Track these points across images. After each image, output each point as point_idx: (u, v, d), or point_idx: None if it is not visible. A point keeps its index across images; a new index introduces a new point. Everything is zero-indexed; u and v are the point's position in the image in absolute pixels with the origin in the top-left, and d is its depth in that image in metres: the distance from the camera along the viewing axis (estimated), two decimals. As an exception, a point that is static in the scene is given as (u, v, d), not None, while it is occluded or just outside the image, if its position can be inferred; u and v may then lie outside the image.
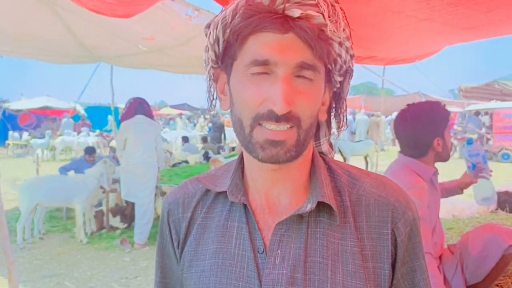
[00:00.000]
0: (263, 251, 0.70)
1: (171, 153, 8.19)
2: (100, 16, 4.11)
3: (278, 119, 0.65)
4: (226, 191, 0.75)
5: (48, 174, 6.62)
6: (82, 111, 17.67)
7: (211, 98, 0.79)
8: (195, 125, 23.42)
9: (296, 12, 0.64)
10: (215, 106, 0.79)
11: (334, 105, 0.79)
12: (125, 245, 5.16)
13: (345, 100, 0.78)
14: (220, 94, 0.77)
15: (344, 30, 0.70)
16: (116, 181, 5.70)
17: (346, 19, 0.71)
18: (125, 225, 5.84)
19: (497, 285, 2.15)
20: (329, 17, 0.66)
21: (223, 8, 0.71)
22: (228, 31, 0.67)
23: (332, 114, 0.79)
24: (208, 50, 0.73)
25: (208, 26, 0.74)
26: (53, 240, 5.49)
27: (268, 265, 0.69)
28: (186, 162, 7.84)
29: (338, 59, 0.71)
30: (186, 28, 4.42)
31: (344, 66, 0.73)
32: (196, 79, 8.68)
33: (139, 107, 5.25)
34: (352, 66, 0.75)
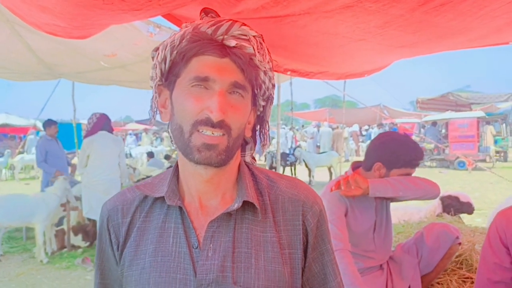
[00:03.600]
0: (197, 247, 0.82)
1: (134, 169, 8.11)
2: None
3: (213, 125, 0.77)
4: (163, 197, 0.85)
5: (7, 193, 6.41)
6: (41, 128, 17.18)
7: (154, 111, 0.89)
8: (161, 140, 23.18)
9: (232, 42, 0.79)
10: (155, 119, 0.90)
11: (258, 126, 0.94)
12: (87, 264, 5.07)
13: (268, 122, 0.94)
14: (161, 108, 0.88)
15: (268, 62, 0.86)
16: (77, 198, 5.60)
17: (269, 55, 0.87)
18: (87, 244, 5.73)
19: (438, 283, 2.33)
20: (258, 50, 0.82)
21: (172, 33, 0.85)
22: (175, 52, 0.81)
23: (257, 133, 0.94)
24: (156, 67, 0.84)
25: (155, 50, 0.87)
26: (12, 261, 5.31)
27: (202, 258, 0.81)
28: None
29: (263, 85, 0.86)
30: (147, 45, 4.49)
31: (267, 92, 0.88)
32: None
33: (106, 123, 5.23)
34: (273, 94, 0.91)
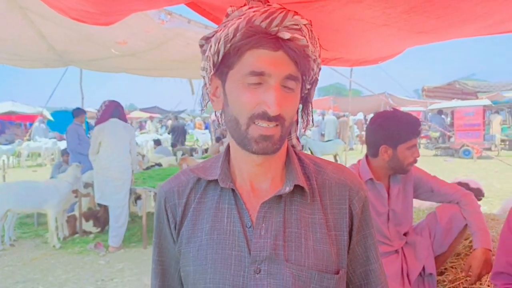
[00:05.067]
0: (251, 226, 0.87)
1: (143, 156, 8.17)
2: (74, 22, 4.16)
3: (270, 119, 0.81)
4: (216, 179, 0.90)
5: (14, 180, 6.50)
6: (49, 116, 17.24)
7: (206, 100, 0.93)
8: (166, 128, 23.26)
9: (286, 35, 0.80)
10: (207, 107, 0.94)
11: (302, 108, 0.96)
12: (99, 249, 5.16)
13: (311, 103, 0.96)
14: (213, 97, 0.91)
15: (317, 48, 0.88)
16: (89, 185, 5.67)
17: (318, 40, 0.89)
18: (99, 229, 5.82)
19: (451, 267, 2.37)
20: (309, 39, 0.84)
21: (219, 26, 0.87)
22: (228, 45, 0.82)
23: (300, 114, 0.97)
24: (209, 59, 0.86)
25: (205, 39, 0.90)
26: (25, 246, 5.41)
27: (255, 236, 0.85)
28: (159, 165, 7.85)
29: (311, 71, 0.89)
30: (159, 32, 4.51)
31: (314, 77, 0.91)
32: (167, 81, 8.72)
33: (115, 110, 5.26)
34: (318, 76, 0.93)
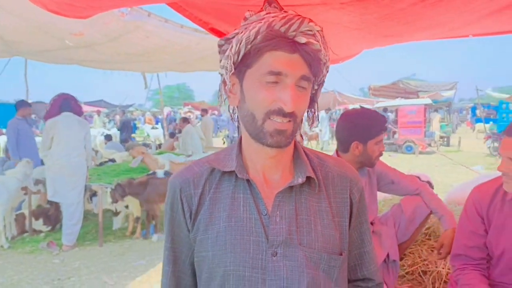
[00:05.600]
0: (266, 213, 0.95)
1: (96, 151, 7.88)
2: (26, 10, 3.94)
3: (285, 115, 0.89)
4: (230, 171, 0.97)
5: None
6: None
7: (223, 96, 1.00)
8: (115, 122, 22.47)
9: (302, 39, 0.88)
10: (224, 103, 1.00)
11: (308, 106, 1.03)
12: (52, 248, 4.96)
13: (317, 103, 1.04)
14: (229, 93, 0.98)
15: (327, 53, 0.97)
16: (39, 181, 5.41)
17: (328, 45, 0.97)
18: (49, 228, 5.58)
19: (410, 253, 2.58)
20: (322, 44, 0.92)
21: (239, 29, 0.93)
22: (249, 46, 0.89)
23: (306, 113, 1.03)
24: (230, 58, 0.92)
25: (225, 39, 0.96)
26: (-32, 248, 5.07)
27: (272, 223, 0.94)
28: (113, 160, 7.61)
29: (321, 74, 0.97)
30: (118, 25, 4.39)
31: (322, 78, 1.00)
32: (117, 75, 8.47)
33: (63, 103, 5.04)
34: (325, 78, 1.02)
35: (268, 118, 0.89)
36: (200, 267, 0.99)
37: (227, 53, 0.94)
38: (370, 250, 1.08)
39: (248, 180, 0.96)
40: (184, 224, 1.01)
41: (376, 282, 1.09)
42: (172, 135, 10.90)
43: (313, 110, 1.02)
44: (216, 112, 26.24)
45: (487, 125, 18.45)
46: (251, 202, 0.95)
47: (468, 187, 4.18)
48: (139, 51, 5.63)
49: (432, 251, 2.52)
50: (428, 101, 16.79)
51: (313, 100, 1.02)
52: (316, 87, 1.00)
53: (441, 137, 17.11)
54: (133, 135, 17.76)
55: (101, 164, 7.08)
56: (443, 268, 2.31)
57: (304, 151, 1.04)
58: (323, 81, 1.01)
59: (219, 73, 0.98)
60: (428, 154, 14.82)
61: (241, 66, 0.92)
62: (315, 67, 0.91)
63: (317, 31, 0.91)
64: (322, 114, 18.02)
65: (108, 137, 11.13)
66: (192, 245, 1.00)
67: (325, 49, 0.94)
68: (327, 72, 1.00)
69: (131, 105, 29.79)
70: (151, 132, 19.62)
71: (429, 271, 2.36)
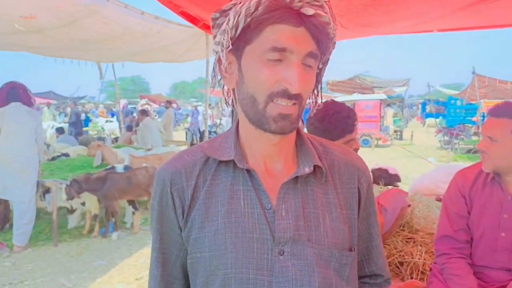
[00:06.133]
0: (270, 207, 0.84)
1: (48, 145, 7.40)
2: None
3: (290, 97, 0.78)
4: (228, 160, 0.86)
5: None
6: None
7: (216, 76, 0.88)
8: (66, 115, 21.35)
9: (310, 11, 0.77)
10: (218, 84, 0.89)
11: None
12: (2, 249, 4.59)
13: (321, 83, 0.94)
14: (225, 73, 0.86)
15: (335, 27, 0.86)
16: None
17: (335, 19, 0.85)
18: (-3, 227, 5.18)
19: (385, 244, 2.58)
20: (330, 17, 0.80)
21: (237, 0, 0.80)
22: (249, 19, 0.77)
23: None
24: (227, 33, 0.80)
25: (220, 11, 0.83)
26: None
27: (277, 217, 0.83)
28: (66, 155, 7.18)
29: (327, 50, 0.86)
30: (73, 8, 4.09)
31: (328, 56, 0.89)
32: (70, 64, 7.99)
33: (11, 92, 4.66)
34: (330, 56, 0.91)
35: (271, 101, 0.80)
36: (195, 270, 0.88)
37: (223, 27, 0.82)
38: (378, 243, 1.00)
39: (248, 170, 0.86)
40: (175, 221, 0.89)
41: (385, 278, 1.01)
42: (129, 128, 10.49)
43: (316, 91, 0.91)
44: (175, 105, 25.66)
45: (437, 120, 19.38)
46: (252, 195, 0.85)
47: (428, 177, 4.34)
48: (94, 38, 5.29)
49: (407, 242, 2.54)
50: (384, 96, 17.33)
51: (317, 80, 0.90)
52: (320, 66, 0.89)
53: (395, 131, 17.80)
54: (86, 128, 17.01)
55: (53, 158, 6.66)
56: (419, 259, 2.32)
57: (308, 138, 0.95)
58: (328, 59, 0.91)
59: (214, 50, 0.86)
60: (383, 147, 15.33)
61: (239, 42, 0.81)
62: (323, 42, 0.81)
63: (325, 1, 0.80)
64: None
65: (60, 130, 10.53)
66: (184, 245, 0.89)
67: (334, 22, 0.82)
68: (334, 49, 0.89)
69: (83, 97, 28.51)
70: (105, 126, 18.87)
71: (406, 261, 2.36)
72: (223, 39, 0.82)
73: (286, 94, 0.78)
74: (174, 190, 0.88)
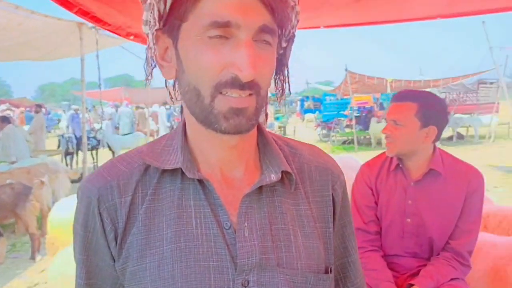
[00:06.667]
0: (230, 227, 0.68)
1: None
2: None
3: (242, 86, 0.62)
4: (174, 169, 0.69)
5: None
6: None
7: (151, 65, 0.72)
8: None
9: None
10: (152, 76, 0.72)
11: (275, 72, 0.76)
12: None
13: (287, 67, 0.76)
14: (161, 61, 0.70)
15: None
16: None
17: None
18: None
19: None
20: None
21: None
22: None
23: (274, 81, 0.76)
24: (153, 8, 0.64)
25: None
26: None
27: (239, 239, 0.68)
28: None
29: (289, 23, 0.70)
30: None
31: (291, 31, 0.72)
32: None
33: None
34: (296, 32, 0.73)
35: (219, 93, 0.63)
36: None
37: (148, 0, 0.64)
38: (356, 259, 0.85)
39: (200, 181, 0.70)
40: (105, 249, 0.70)
41: None
42: (3, 119, 9.00)
43: (282, 77, 0.75)
44: (43, 110, 23.03)
45: (315, 115, 20.87)
46: (207, 212, 0.69)
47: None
48: None
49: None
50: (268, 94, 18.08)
51: (281, 64, 0.75)
52: (284, 45, 0.73)
53: (279, 127, 18.71)
54: None
55: None
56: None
57: (272, 137, 0.79)
58: (293, 35, 0.73)
59: (144, 33, 0.69)
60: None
61: (173, 19, 0.65)
62: (280, 13, 0.64)
63: None
64: (161, 109, 17.61)
65: None
66: (119, 280, 0.72)
67: None
68: (297, 22, 0.71)
69: None
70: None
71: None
72: (150, 16, 0.65)
73: (236, 83, 0.62)
74: (103, 210, 0.69)
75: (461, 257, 1.75)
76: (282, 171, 0.72)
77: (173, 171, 0.70)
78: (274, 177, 0.71)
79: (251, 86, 0.63)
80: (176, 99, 0.74)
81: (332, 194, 0.79)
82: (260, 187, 0.71)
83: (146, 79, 0.73)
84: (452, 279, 1.73)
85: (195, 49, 0.63)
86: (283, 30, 0.70)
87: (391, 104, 1.83)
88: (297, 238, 0.72)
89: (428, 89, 10.57)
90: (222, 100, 0.63)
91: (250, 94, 0.64)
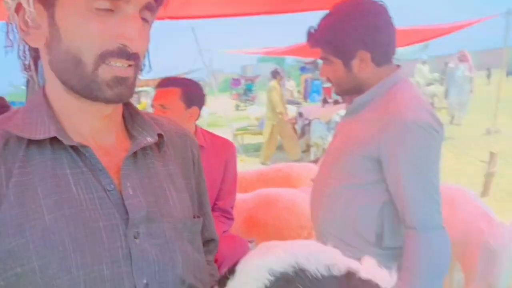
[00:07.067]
0: (113, 188, 0.71)
1: None
2: None
3: (128, 56, 0.66)
4: (41, 141, 0.67)
5: None
6: None
7: (13, 31, 0.69)
8: None
9: None
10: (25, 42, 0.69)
11: None
12: None
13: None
14: (27, 29, 0.67)
15: None
16: None
17: None
18: None
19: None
20: None
21: None
22: None
23: None
24: None
25: None
26: None
27: (126, 197, 0.71)
28: None
29: (162, 4, 0.74)
30: None
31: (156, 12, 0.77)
32: None
33: None
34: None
35: (103, 62, 0.65)
36: None
37: None
38: (209, 210, 0.99)
39: (75, 149, 0.69)
40: None
41: (216, 241, 1.02)
42: None
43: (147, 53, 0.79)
44: None
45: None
46: (88, 177, 0.69)
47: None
48: None
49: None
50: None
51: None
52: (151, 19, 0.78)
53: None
54: None
55: None
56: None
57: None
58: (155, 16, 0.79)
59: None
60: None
61: None
62: None
63: None
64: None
65: None
66: None
67: None
68: (167, 4, 0.77)
69: None
70: None
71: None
72: None
73: (124, 53, 0.65)
74: None
75: (227, 213, 2.10)
76: (162, 134, 0.80)
77: (40, 142, 0.68)
78: (150, 139, 0.77)
79: (135, 58, 0.67)
80: (26, 67, 0.73)
81: (191, 155, 0.91)
82: (135, 153, 0.76)
83: (8, 46, 0.70)
84: (223, 231, 2.09)
85: (80, 18, 0.63)
86: (158, 8, 0.74)
87: (156, 91, 1.96)
88: (171, 192, 0.80)
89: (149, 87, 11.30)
90: (106, 69, 0.66)
91: (130, 65, 0.68)
